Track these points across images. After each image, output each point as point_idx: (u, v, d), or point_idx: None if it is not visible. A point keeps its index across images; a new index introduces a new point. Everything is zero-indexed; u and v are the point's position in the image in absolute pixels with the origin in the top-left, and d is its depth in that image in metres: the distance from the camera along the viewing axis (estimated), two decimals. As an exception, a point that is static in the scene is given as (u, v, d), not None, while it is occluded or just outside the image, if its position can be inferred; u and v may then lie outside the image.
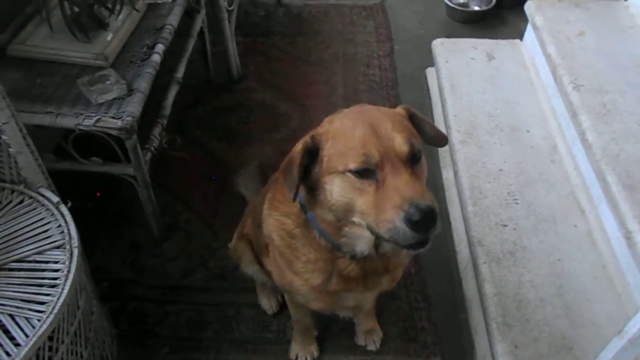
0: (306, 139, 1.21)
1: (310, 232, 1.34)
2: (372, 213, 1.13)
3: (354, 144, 1.14)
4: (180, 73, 2.34)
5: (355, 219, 1.18)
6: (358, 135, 1.14)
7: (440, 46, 2.85)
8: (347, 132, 1.17)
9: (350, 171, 1.13)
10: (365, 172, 1.12)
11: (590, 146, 1.94)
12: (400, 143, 1.14)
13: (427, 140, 1.30)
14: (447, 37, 2.96)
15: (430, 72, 2.98)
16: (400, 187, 1.10)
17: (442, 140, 1.36)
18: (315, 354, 1.89)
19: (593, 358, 1.29)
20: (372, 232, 1.17)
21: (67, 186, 1.78)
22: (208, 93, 2.93)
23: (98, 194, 2.33)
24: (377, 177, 1.12)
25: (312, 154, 1.20)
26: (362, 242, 1.26)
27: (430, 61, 2.94)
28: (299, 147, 1.22)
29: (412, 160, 1.15)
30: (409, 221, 1.06)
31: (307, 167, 1.22)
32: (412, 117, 1.27)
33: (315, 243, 1.34)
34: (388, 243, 1.22)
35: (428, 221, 1.06)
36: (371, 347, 1.92)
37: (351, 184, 1.14)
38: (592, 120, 2.00)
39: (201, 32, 2.68)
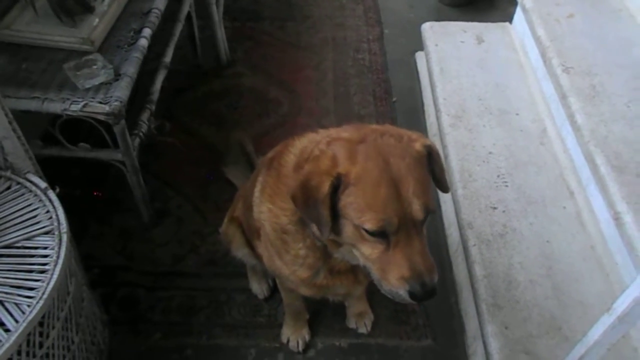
0: (332, 179, 1.14)
1: (304, 230, 1.33)
2: (376, 265, 1.17)
3: (374, 206, 1.11)
4: (168, 58, 2.31)
5: (357, 254, 1.21)
6: (380, 196, 1.11)
7: (430, 30, 2.84)
8: (369, 186, 1.13)
9: (364, 229, 1.13)
10: (379, 234, 1.14)
11: (579, 128, 1.94)
12: (417, 209, 1.13)
13: (440, 177, 1.28)
14: (437, 20, 2.94)
15: (419, 56, 2.98)
16: (411, 257, 1.13)
17: (445, 188, 1.32)
18: (307, 337, 1.90)
19: (582, 337, 1.30)
20: (368, 274, 1.21)
21: (57, 173, 1.77)
22: (197, 78, 2.90)
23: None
24: (390, 239, 1.14)
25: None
26: (355, 258, 1.27)
27: (419, 45, 2.93)
28: (324, 187, 1.14)
29: (423, 222, 1.16)
30: (411, 295, 1.12)
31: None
32: (430, 155, 1.24)
33: (308, 241, 1.34)
34: None
35: (428, 297, 1.13)
36: (362, 329, 1.94)
37: (362, 236, 1.16)
38: (581, 102, 2.01)
39: (189, 17, 2.65)
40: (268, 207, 1.39)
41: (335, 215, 1.17)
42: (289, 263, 1.42)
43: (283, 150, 1.40)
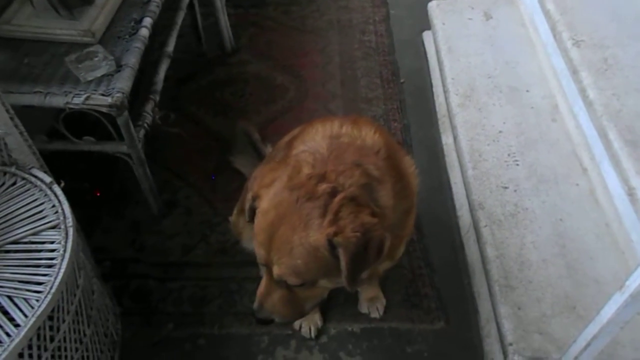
0: (251, 195, 1.32)
1: None
2: None
3: (256, 235, 1.28)
4: (170, 47, 2.29)
5: None
6: (258, 238, 1.27)
7: (437, 8, 2.78)
8: (261, 218, 1.26)
9: None
10: None
11: (592, 103, 1.89)
12: (275, 271, 1.26)
13: (343, 273, 1.21)
14: (444, -2, 2.89)
15: (427, 36, 2.92)
16: (260, 286, 1.35)
17: (359, 268, 1.24)
18: (319, 323, 1.89)
19: (596, 315, 1.28)
20: None
21: (66, 168, 1.77)
22: (201, 67, 2.88)
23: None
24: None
25: None
26: None
27: (426, 24, 2.88)
28: (249, 199, 1.34)
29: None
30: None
31: None
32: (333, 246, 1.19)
33: None
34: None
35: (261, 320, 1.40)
36: (375, 314, 1.92)
37: None
38: (593, 76, 1.95)
39: (191, 5, 2.62)
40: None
41: None
42: None
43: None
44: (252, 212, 1.31)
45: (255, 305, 1.36)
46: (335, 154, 1.28)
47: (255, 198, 1.29)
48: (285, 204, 1.21)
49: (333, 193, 1.20)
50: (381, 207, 1.26)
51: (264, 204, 1.26)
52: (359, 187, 1.23)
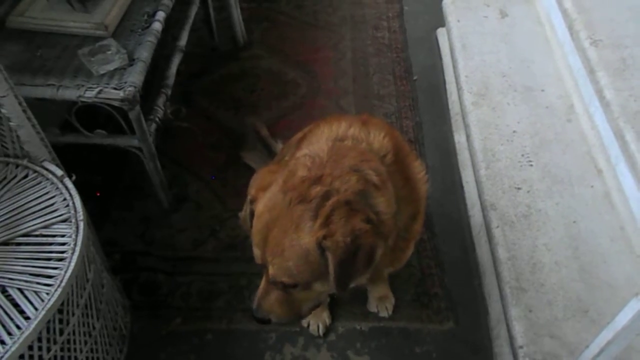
0: (249, 198, 1.34)
1: None
2: None
3: (253, 237, 1.29)
4: (183, 41, 2.28)
5: None
6: (256, 231, 1.27)
7: (452, 5, 2.75)
8: (256, 220, 1.28)
9: None
10: None
11: (608, 104, 1.86)
12: (270, 271, 1.27)
13: (330, 277, 1.21)
14: (459, -5, 2.86)
15: (441, 33, 2.89)
16: (259, 290, 1.35)
17: (348, 276, 1.24)
18: (328, 321, 1.88)
19: (610, 320, 1.25)
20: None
21: (78, 160, 1.77)
22: (214, 61, 2.88)
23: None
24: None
25: None
26: None
27: (441, 21, 2.85)
28: (247, 202, 1.36)
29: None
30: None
31: None
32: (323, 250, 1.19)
33: None
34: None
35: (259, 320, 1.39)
36: (384, 313, 1.91)
37: None
38: (610, 76, 1.92)
39: (204, -1, 2.62)
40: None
41: None
42: None
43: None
44: (252, 214, 1.32)
45: (254, 304, 1.37)
46: (334, 158, 1.26)
47: (253, 201, 1.31)
48: (278, 206, 1.22)
49: (326, 196, 1.19)
50: (379, 213, 1.24)
51: (259, 207, 1.27)
52: (354, 193, 1.21)
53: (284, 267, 1.23)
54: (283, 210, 1.21)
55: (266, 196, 1.26)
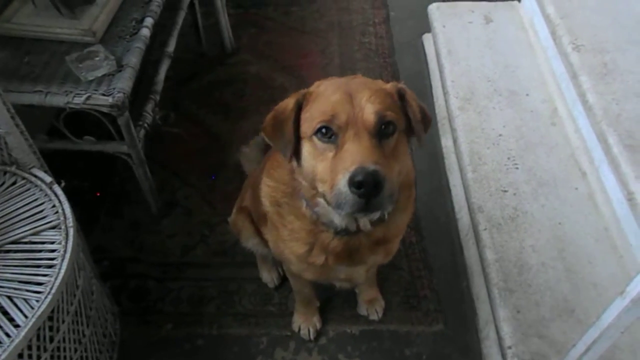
0: (298, 96, 1.22)
1: (296, 201, 1.35)
2: (327, 180, 1.12)
3: (325, 108, 1.15)
4: (171, 47, 2.29)
5: (319, 188, 1.18)
6: (332, 100, 1.15)
7: (437, 11, 2.79)
8: (324, 97, 1.18)
9: (315, 134, 1.15)
10: (327, 133, 1.13)
11: (591, 107, 1.90)
12: (369, 112, 1.13)
13: (414, 121, 1.23)
14: (444, 1, 2.89)
15: (427, 38, 2.92)
16: (355, 152, 1.08)
17: (427, 122, 1.29)
18: (318, 325, 1.89)
19: (595, 320, 1.28)
20: (327, 202, 1.17)
21: (66, 167, 1.76)
22: (202, 67, 2.88)
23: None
24: (338, 142, 1.13)
25: (297, 114, 1.21)
26: (336, 214, 1.26)
27: (426, 27, 2.88)
28: (290, 104, 1.21)
29: (380, 132, 1.14)
30: (351, 182, 1.05)
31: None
32: (401, 95, 1.24)
33: (300, 213, 1.35)
34: (365, 218, 1.26)
35: (370, 184, 1.04)
36: (374, 316, 1.92)
37: (315, 149, 1.16)
38: (593, 80, 1.96)
39: (192, 5, 2.62)
40: (267, 182, 1.44)
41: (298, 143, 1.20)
42: (286, 239, 1.43)
43: None
44: (299, 107, 1.20)
45: (375, 168, 1.05)
46: None
47: (307, 97, 1.21)
48: (338, 81, 1.24)
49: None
50: None
51: (322, 88, 1.22)
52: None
53: (383, 102, 1.16)
54: (350, 81, 1.22)
55: (324, 83, 1.24)
